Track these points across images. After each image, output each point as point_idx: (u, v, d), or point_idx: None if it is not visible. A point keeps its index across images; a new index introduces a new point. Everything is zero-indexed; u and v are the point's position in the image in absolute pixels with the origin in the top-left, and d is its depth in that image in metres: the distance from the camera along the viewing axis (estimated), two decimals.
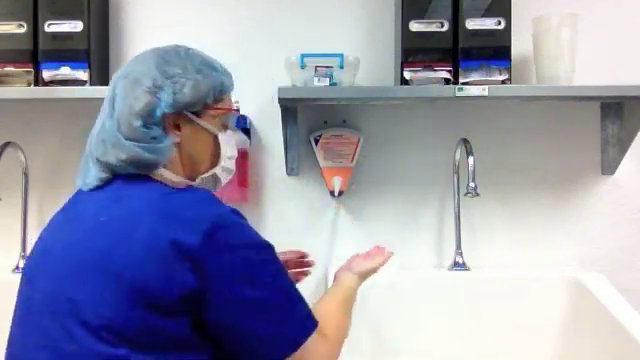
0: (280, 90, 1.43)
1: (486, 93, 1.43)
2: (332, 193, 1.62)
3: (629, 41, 1.62)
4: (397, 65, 1.53)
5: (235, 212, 0.93)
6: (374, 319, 1.48)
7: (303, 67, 1.48)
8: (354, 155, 1.61)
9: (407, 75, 1.47)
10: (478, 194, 1.42)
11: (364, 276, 1.14)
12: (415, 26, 1.47)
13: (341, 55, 1.49)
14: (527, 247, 1.65)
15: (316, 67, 1.48)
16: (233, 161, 1.07)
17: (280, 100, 1.44)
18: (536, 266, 1.64)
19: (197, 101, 0.98)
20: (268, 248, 0.92)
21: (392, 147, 1.65)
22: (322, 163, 1.61)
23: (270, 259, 0.92)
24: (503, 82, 1.46)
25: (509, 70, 1.46)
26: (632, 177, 1.64)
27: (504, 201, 1.65)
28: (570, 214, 1.65)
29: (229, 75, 1.06)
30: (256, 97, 1.64)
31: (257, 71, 1.64)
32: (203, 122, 0.99)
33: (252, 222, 1.67)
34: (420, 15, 1.47)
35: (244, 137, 1.60)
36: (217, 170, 1.03)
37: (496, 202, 1.64)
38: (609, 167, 1.63)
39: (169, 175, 0.97)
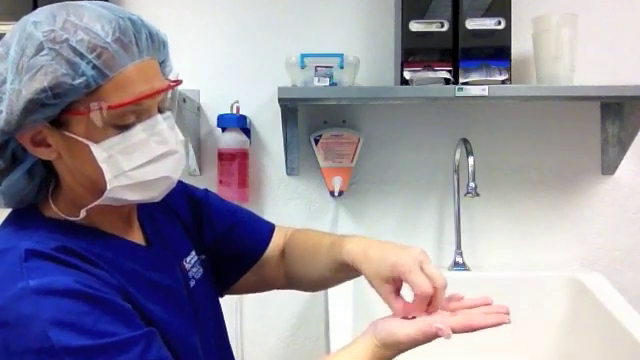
0: (280, 90, 1.43)
1: (486, 93, 1.43)
2: (332, 193, 1.62)
3: (629, 41, 1.62)
4: (397, 65, 1.53)
5: (38, 291, 0.65)
6: (373, 319, 1.48)
7: (303, 67, 1.48)
8: (354, 155, 1.61)
9: (407, 75, 1.47)
10: (478, 194, 1.43)
11: (393, 348, 0.76)
12: (415, 26, 1.47)
13: (341, 55, 1.49)
14: (527, 247, 1.65)
15: (316, 67, 1.48)
16: (160, 163, 0.75)
17: (280, 100, 1.44)
18: (536, 266, 1.64)
19: (35, 107, 0.68)
20: (72, 355, 0.64)
21: (392, 147, 1.65)
22: (322, 163, 1.61)
23: None
24: (503, 82, 1.46)
25: (509, 70, 1.46)
26: (632, 177, 1.64)
27: (504, 201, 1.65)
28: (570, 214, 1.65)
29: (118, 44, 0.70)
30: (256, 97, 1.64)
31: (257, 71, 1.64)
32: (67, 132, 0.71)
33: None
34: (420, 15, 1.47)
35: (244, 137, 1.60)
36: (110, 193, 0.74)
37: (496, 202, 1.64)
38: (609, 167, 1.63)
39: (56, 210, 0.77)
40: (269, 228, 1.03)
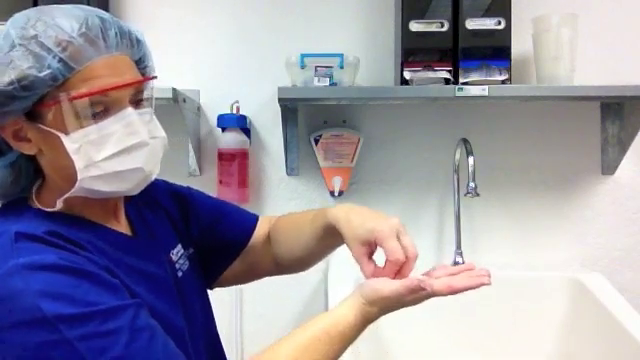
0: (280, 90, 1.43)
1: (486, 93, 1.43)
2: (332, 193, 1.62)
3: (629, 41, 1.62)
4: (397, 65, 1.53)
5: (28, 267, 0.67)
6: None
7: (303, 67, 1.48)
8: (354, 155, 1.61)
9: (407, 75, 1.46)
10: (478, 194, 1.43)
11: (379, 305, 0.79)
12: (415, 26, 1.47)
13: (341, 55, 1.49)
14: (527, 247, 1.65)
15: (316, 67, 1.48)
16: (131, 155, 0.77)
17: (280, 100, 1.44)
18: (536, 266, 1.64)
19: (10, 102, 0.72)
20: (64, 322, 0.65)
21: (392, 147, 1.65)
22: (322, 163, 1.62)
23: (65, 338, 0.65)
24: (503, 82, 1.46)
25: (509, 70, 1.46)
26: (632, 177, 1.64)
27: (504, 201, 1.65)
28: (570, 214, 1.65)
29: (78, 42, 0.73)
30: (256, 97, 1.64)
31: (257, 71, 1.64)
32: (42, 125, 0.74)
33: None
34: (420, 15, 1.47)
35: (244, 137, 1.60)
36: (82, 184, 0.76)
37: (496, 202, 1.64)
38: (609, 167, 1.63)
39: (37, 203, 0.80)
40: (253, 218, 1.07)
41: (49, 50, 0.71)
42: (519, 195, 1.65)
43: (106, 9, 1.61)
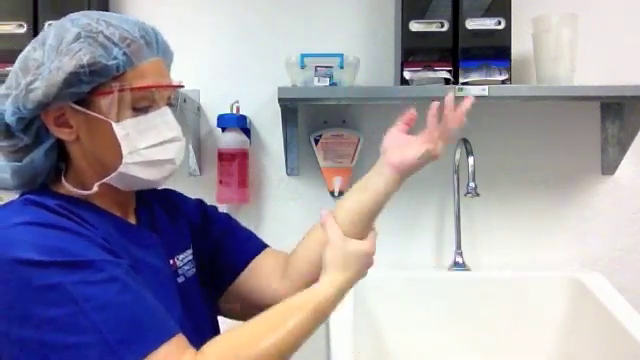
0: (280, 90, 1.43)
1: (486, 93, 1.43)
2: (332, 193, 1.62)
3: (629, 41, 1.62)
4: (397, 65, 1.53)
5: (29, 223, 0.74)
6: (373, 319, 1.48)
7: (303, 67, 1.48)
8: (354, 155, 1.61)
9: (407, 75, 1.47)
10: (478, 194, 1.43)
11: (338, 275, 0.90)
12: (415, 26, 1.47)
13: (341, 55, 1.49)
14: (527, 247, 1.65)
15: (316, 67, 1.48)
16: (167, 147, 0.85)
17: (280, 100, 1.44)
18: (536, 266, 1.64)
19: (60, 91, 0.78)
20: (59, 268, 0.71)
21: None
22: (322, 163, 1.62)
23: (59, 282, 0.70)
24: (503, 82, 1.46)
25: (509, 70, 1.46)
26: (632, 177, 1.64)
27: (504, 201, 1.65)
28: (570, 214, 1.65)
29: (139, 42, 0.82)
30: (256, 97, 1.64)
31: (257, 71, 1.64)
32: (91, 112, 0.80)
33: (252, 222, 1.68)
34: (420, 15, 1.47)
35: (244, 137, 1.60)
36: (123, 169, 0.82)
37: (496, 202, 1.64)
38: (609, 167, 1.63)
39: (68, 186, 0.85)
40: (259, 244, 1.04)
41: (115, 44, 0.79)
42: (519, 195, 1.65)
43: (106, 7, 1.61)
